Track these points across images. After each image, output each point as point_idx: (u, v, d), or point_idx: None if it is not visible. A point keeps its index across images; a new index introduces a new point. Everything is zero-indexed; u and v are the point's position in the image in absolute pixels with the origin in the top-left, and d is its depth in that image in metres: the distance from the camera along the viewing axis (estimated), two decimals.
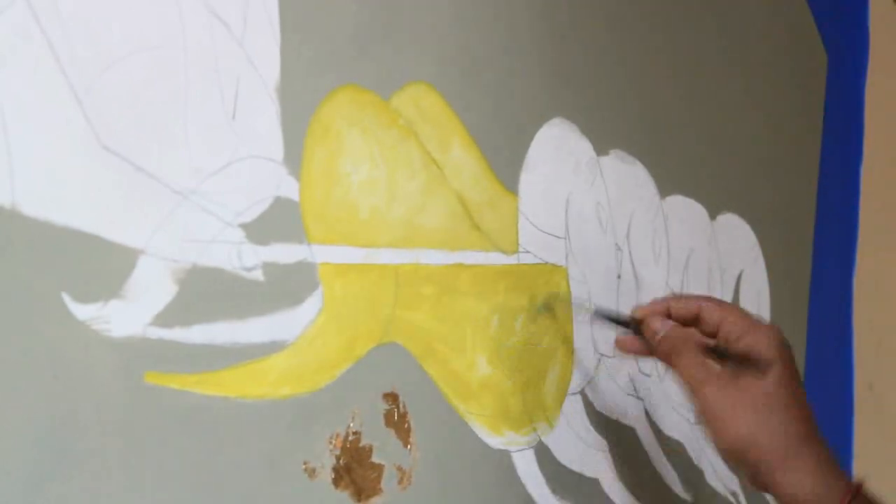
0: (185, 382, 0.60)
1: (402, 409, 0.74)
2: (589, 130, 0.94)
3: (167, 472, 0.59)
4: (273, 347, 0.65)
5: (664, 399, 1.04)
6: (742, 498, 1.15)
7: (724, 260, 1.15)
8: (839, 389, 1.37)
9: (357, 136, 0.71)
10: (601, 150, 0.96)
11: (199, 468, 0.60)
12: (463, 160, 0.80)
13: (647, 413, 1.01)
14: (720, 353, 0.73)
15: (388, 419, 0.73)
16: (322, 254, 0.68)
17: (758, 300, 1.22)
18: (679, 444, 1.06)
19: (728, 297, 1.16)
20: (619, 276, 0.98)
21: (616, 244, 0.97)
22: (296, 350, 0.66)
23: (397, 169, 0.74)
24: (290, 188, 0.66)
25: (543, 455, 0.86)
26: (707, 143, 1.14)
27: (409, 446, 0.74)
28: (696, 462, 1.08)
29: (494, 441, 0.82)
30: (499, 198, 0.84)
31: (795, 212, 1.33)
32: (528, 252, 0.86)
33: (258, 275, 0.64)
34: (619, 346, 0.81)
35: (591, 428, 0.93)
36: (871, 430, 1.37)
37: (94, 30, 0.55)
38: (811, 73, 1.38)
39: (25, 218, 0.52)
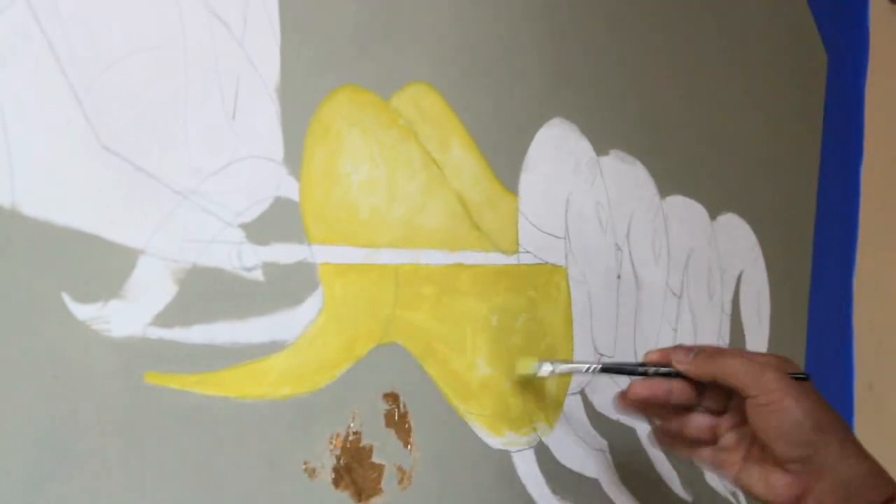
0: (185, 382, 0.60)
1: (402, 409, 0.74)
2: (589, 130, 0.94)
3: (167, 472, 0.59)
4: (273, 347, 0.65)
5: None
6: (742, 498, 1.15)
7: (724, 260, 1.15)
8: (839, 389, 1.36)
9: (357, 136, 0.71)
10: (601, 150, 0.96)
11: (199, 468, 0.60)
12: (463, 160, 0.80)
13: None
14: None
15: (389, 419, 0.73)
16: (322, 254, 0.68)
17: (758, 300, 1.22)
18: None
19: (728, 297, 1.16)
20: (619, 276, 0.97)
21: (616, 244, 0.97)
22: (296, 350, 0.66)
23: (397, 169, 0.74)
24: (290, 188, 0.66)
25: (543, 455, 0.86)
26: (707, 143, 1.14)
27: (409, 446, 0.74)
28: (696, 462, 1.08)
29: (494, 441, 0.82)
30: (499, 198, 0.84)
31: (795, 212, 1.33)
32: (528, 252, 0.86)
33: (258, 275, 0.64)
34: (633, 391, 0.73)
35: (591, 428, 0.93)
36: (871, 430, 1.36)
37: (94, 30, 0.55)
38: (811, 73, 1.38)
39: (25, 218, 0.52)
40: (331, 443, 0.68)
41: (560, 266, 0.90)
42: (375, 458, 0.72)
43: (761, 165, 1.24)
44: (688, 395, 0.73)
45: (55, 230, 0.53)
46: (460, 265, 0.79)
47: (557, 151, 0.90)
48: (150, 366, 0.58)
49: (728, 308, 1.16)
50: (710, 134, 1.14)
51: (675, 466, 1.04)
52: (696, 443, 0.75)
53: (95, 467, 0.55)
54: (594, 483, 0.93)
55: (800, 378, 0.71)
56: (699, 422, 0.74)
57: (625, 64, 1.00)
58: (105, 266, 0.56)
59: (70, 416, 0.54)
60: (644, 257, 1.01)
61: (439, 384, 0.77)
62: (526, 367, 0.79)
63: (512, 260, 0.84)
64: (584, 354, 0.92)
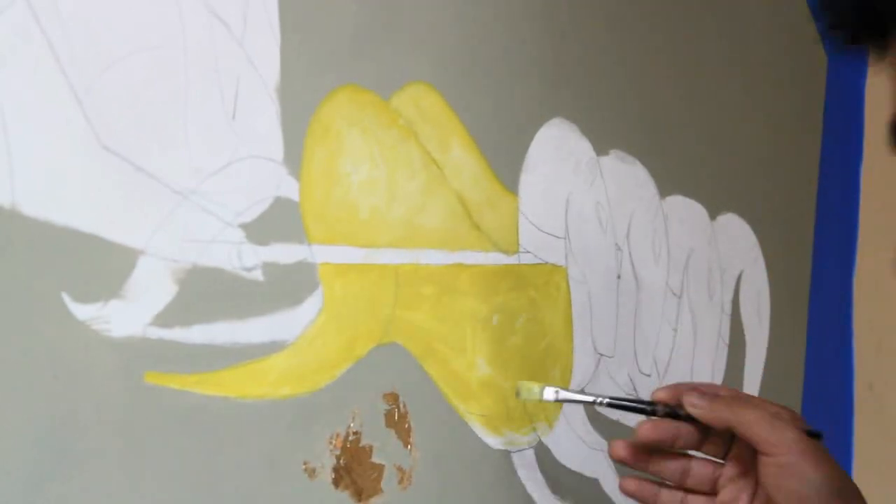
0: (184, 382, 0.60)
1: (402, 410, 0.74)
2: (589, 130, 0.94)
3: (167, 472, 0.59)
4: (273, 347, 0.65)
5: None
6: None
7: (724, 260, 1.15)
8: (839, 389, 1.37)
9: (357, 136, 0.71)
10: (601, 150, 0.96)
11: (199, 468, 0.60)
12: (463, 160, 0.80)
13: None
14: None
15: (389, 419, 0.73)
16: (322, 254, 0.68)
17: (758, 300, 1.22)
18: None
19: (728, 297, 1.16)
20: (619, 276, 0.97)
21: (616, 244, 0.97)
22: (296, 350, 0.66)
23: (397, 169, 0.74)
24: (290, 188, 0.66)
25: (543, 455, 0.86)
26: (707, 143, 1.14)
27: (409, 446, 0.74)
28: None
29: (494, 441, 0.82)
30: (499, 198, 0.83)
31: (795, 212, 1.33)
32: (528, 252, 0.86)
33: (258, 275, 0.64)
34: (643, 433, 0.66)
35: (591, 428, 0.93)
36: (871, 430, 1.36)
37: (94, 30, 0.55)
38: (811, 73, 1.38)
39: (25, 218, 0.52)
40: (331, 443, 0.68)
41: (560, 266, 0.90)
42: (375, 458, 0.72)
43: (761, 165, 1.24)
44: (694, 441, 0.67)
45: (55, 230, 0.53)
46: (460, 265, 0.79)
47: (557, 151, 0.90)
48: (150, 366, 0.58)
49: (728, 308, 1.16)
50: (710, 134, 1.14)
51: None
52: (688, 491, 0.68)
53: (95, 467, 0.55)
54: (594, 483, 0.93)
55: (814, 435, 0.67)
56: (700, 471, 0.68)
57: (625, 64, 1.00)
58: (105, 266, 0.56)
59: (70, 416, 0.54)
60: (644, 257, 1.01)
61: (439, 384, 0.77)
62: (528, 391, 0.75)
63: (512, 260, 0.84)
64: (585, 354, 0.92)
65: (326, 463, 0.68)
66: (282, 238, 0.66)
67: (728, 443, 0.68)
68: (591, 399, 0.71)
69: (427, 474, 0.75)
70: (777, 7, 1.30)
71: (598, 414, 0.94)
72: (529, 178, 0.87)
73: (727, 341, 1.15)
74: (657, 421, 0.67)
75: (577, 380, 0.91)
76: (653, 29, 1.05)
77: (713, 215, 1.14)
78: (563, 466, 0.89)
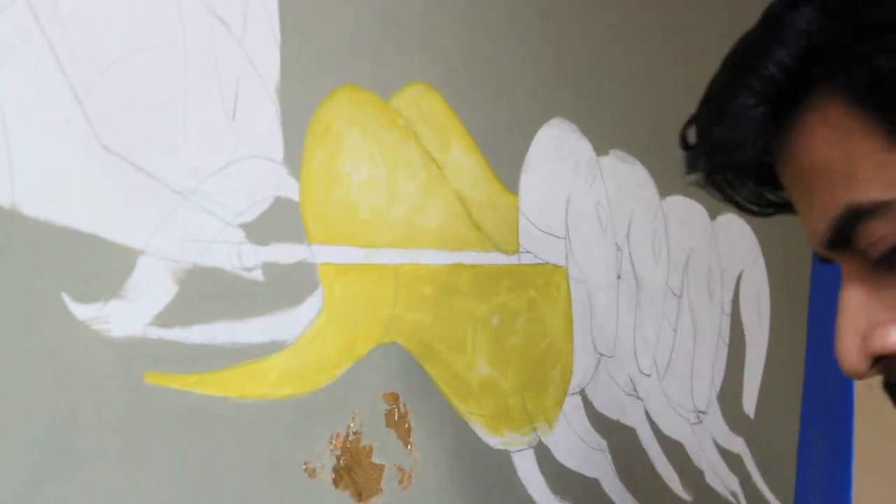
0: (184, 383, 0.60)
1: (402, 410, 0.74)
2: (589, 130, 0.94)
3: (167, 472, 0.59)
4: (273, 347, 0.65)
5: (664, 399, 1.04)
6: (742, 498, 1.15)
7: (724, 260, 1.15)
8: (839, 389, 1.37)
9: (357, 136, 0.71)
10: (601, 150, 0.96)
11: (199, 468, 0.60)
12: (463, 160, 0.80)
13: (647, 413, 1.01)
14: None
15: (389, 419, 0.73)
16: (322, 254, 0.68)
17: (758, 300, 1.22)
18: (679, 445, 1.06)
19: (728, 297, 1.16)
20: (619, 276, 0.97)
21: (616, 244, 0.97)
22: (296, 350, 0.66)
23: (397, 169, 0.74)
24: (290, 188, 0.66)
25: (543, 455, 0.86)
26: None
27: (409, 446, 0.74)
28: (695, 462, 1.08)
29: (494, 441, 0.82)
30: (499, 198, 0.83)
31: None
32: (528, 252, 0.86)
33: (258, 275, 0.64)
34: None
35: (591, 428, 0.93)
36: (871, 430, 1.37)
37: (94, 30, 0.55)
38: None
39: (25, 218, 0.52)
40: (331, 443, 0.68)
41: (560, 266, 0.90)
42: (375, 458, 0.72)
43: None
44: None
45: (55, 230, 0.53)
46: (460, 265, 0.79)
47: (557, 151, 0.90)
48: (150, 366, 0.58)
49: (728, 308, 1.16)
50: None
51: (675, 466, 1.04)
52: None
53: (95, 467, 0.55)
54: (594, 483, 0.93)
55: None
56: None
57: (625, 64, 1.00)
58: (105, 266, 0.56)
59: (70, 416, 0.54)
60: (644, 257, 1.01)
61: (439, 384, 0.77)
62: None
63: (512, 260, 0.84)
64: (585, 354, 0.92)
65: (326, 463, 0.68)
66: (282, 238, 0.66)
67: None
68: None
69: (427, 474, 0.75)
70: None
71: (599, 414, 0.94)
72: (529, 178, 0.87)
73: (727, 341, 1.15)
74: None
75: (577, 380, 0.91)
76: (653, 29, 1.05)
77: (713, 215, 1.14)
78: (563, 466, 0.89)
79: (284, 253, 0.66)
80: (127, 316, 0.56)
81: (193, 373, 0.60)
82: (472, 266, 0.81)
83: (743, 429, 1.17)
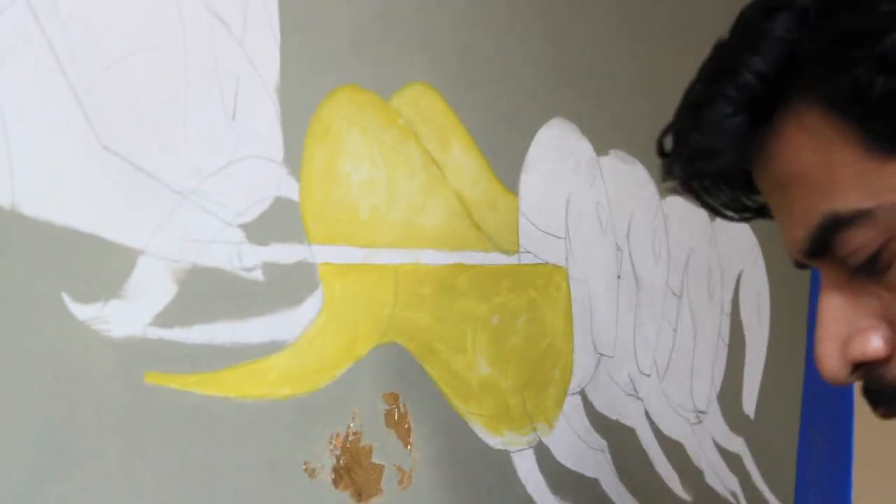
0: (184, 383, 0.60)
1: (402, 410, 0.74)
2: (589, 130, 0.94)
3: (167, 472, 0.59)
4: (273, 347, 0.65)
5: (664, 399, 1.04)
6: (742, 498, 1.15)
7: (724, 260, 1.15)
8: (839, 389, 1.37)
9: (357, 136, 0.71)
10: (601, 150, 0.96)
11: (199, 468, 0.60)
12: (463, 160, 0.80)
13: (647, 413, 1.01)
14: None
15: (389, 419, 0.73)
16: (322, 254, 0.68)
17: (758, 300, 1.22)
18: (679, 445, 1.06)
19: (728, 297, 1.16)
20: (619, 276, 0.97)
21: (616, 244, 0.97)
22: (296, 350, 0.66)
23: (397, 169, 0.74)
24: (290, 188, 0.66)
25: (543, 455, 0.86)
26: None
27: (409, 446, 0.74)
28: (695, 462, 1.08)
29: (494, 441, 0.82)
30: (499, 198, 0.83)
31: None
32: (528, 252, 0.86)
33: (258, 275, 0.64)
34: None
35: (591, 428, 0.93)
36: (871, 430, 1.37)
37: (94, 30, 0.55)
38: None
39: (25, 218, 0.52)
40: (331, 443, 0.68)
41: (560, 266, 0.90)
42: (375, 458, 0.72)
43: None
44: None
45: (55, 230, 0.53)
46: (460, 265, 0.79)
47: (557, 151, 0.90)
48: (150, 366, 0.58)
49: (728, 308, 1.16)
50: None
51: (674, 466, 1.04)
52: None
53: (95, 467, 0.55)
54: (594, 483, 0.93)
55: None
56: None
57: (625, 64, 1.00)
58: (105, 266, 0.56)
59: (70, 416, 0.54)
60: (644, 257, 1.01)
61: (439, 384, 0.77)
62: None
63: (512, 260, 0.84)
64: (585, 354, 0.92)
65: (326, 463, 0.68)
66: (282, 238, 0.66)
67: None
68: None
69: (427, 474, 0.75)
70: None
71: (599, 414, 0.94)
72: (529, 178, 0.87)
73: (727, 341, 1.15)
74: None
75: (577, 380, 0.91)
76: (653, 29, 1.05)
77: (713, 215, 1.14)
78: (563, 466, 0.89)
79: (284, 253, 0.66)
80: (127, 316, 0.56)
81: (193, 373, 0.60)
82: (472, 266, 0.81)
83: (743, 429, 1.17)
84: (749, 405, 1.19)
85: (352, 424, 0.70)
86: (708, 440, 1.10)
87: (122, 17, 0.57)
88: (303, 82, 0.67)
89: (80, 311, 0.54)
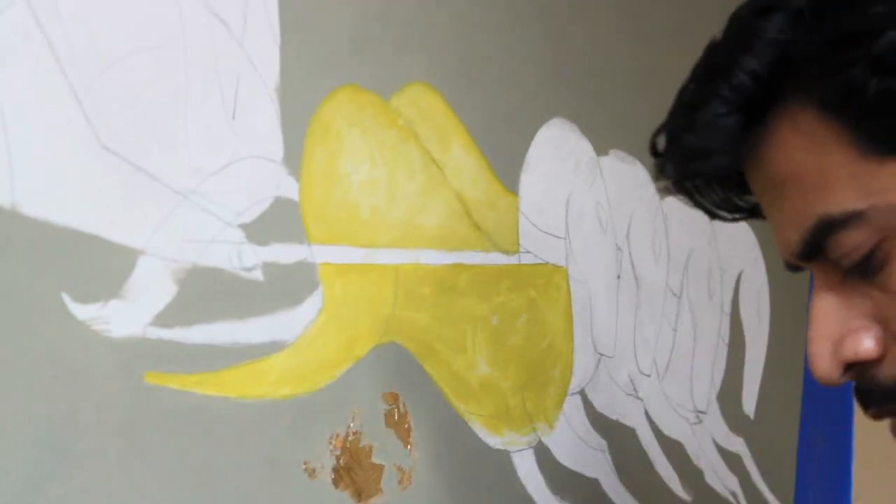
0: (184, 383, 0.60)
1: (402, 409, 0.74)
2: (589, 130, 0.94)
3: (167, 472, 0.59)
4: (273, 347, 0.65)
5: (664, 399, 1.04)
6: (742, 498, 1.15)
7: (724, 260, 1.15)
8: (839, 389, 1.36)
9: (357, 136, 0.71)
10: (601, 150, 0.96)
11: (199, 468, 0.60)
12: (463, 160, 0.80)
13: (647, 413, 1.01)
14: None
15: (388, 419, 0.73)
16: (322, 254, 0.68)
17: (758, 300, 1.22)
18: (679, 445, 1.06)
19: (728, 297, 1.16)
20: (619, 276, 0.97)
21: (616, 244, 0.97)
22: (296, 350, 0.66)
23: (397, 169, 0.74)
24: (290, 188, 0.66)
25: (543, 455, 0.86)
26: None
27: (409, 446, 0.74)
28: (695, 462, 1.08)
29: (494, 441, 0.82)
30: (499, 198, 0.83)
31: None
32: (528, 252, 0.86)
33: (258, 275, 0.64)
34: None
35: (591, 428, 0.93)
36: (871, 430, 1.37)
37: (94, 30, 0.55)
38: None
39: (25, 218, 0.52)
40: (331, 443, 0.68)
41: (561, 266, 0.90)
42: (375, 458, 0.72)
43: None
44: None
45: (55, 230, 0.53)
46: (460, 265, 0.79)
47: (557, 151, 0.90)
48: (150, 366, 0.58)
49: (728, 308, 1.16)
50: None
51: (674, 466, 1.04)
52: None
53: (95, 467, 0.55)
54: (594, 483, 0.93)
55: None
56: None
57: (625, 64, 1.00)
58: (105, 266, 0.56)
59: (70, 416, 0.54)
60: (644, 257, 1.01)
61: (439, 384, 0.77)
62: None
63: (512, 260, 0.84)
64: (585, 354, 0.92)
65: (326, 463, 0.68)
66: (282, 238, 0.66)
67: None
68: None
69: (427, 474, 0.75)
70: None
71: (599, 414, 0.94)
72: (529, 178, 0.87)
73: (727, 341, 1.15)
74: None
75: (577, 380, 0.91)
76: (653, 29, 1.05)
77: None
78: (563, 466, 0.89)
79: (284, 253, 0.66)
80: (127, 316, 0.56)
81: (193, 373, 0.60)
82: (472, 266, 0.81)
83: (743, 429, 1.17)
84: (749, 405, 1.19)
85: (352, 424, 0.70)
86: (708, 440, 1.10)
87: (122, 17, 0.57)
88: (303, 82, 0.67)
89: (80, 311, 0.54)
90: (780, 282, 1.25)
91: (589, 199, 0.94)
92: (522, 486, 0.84)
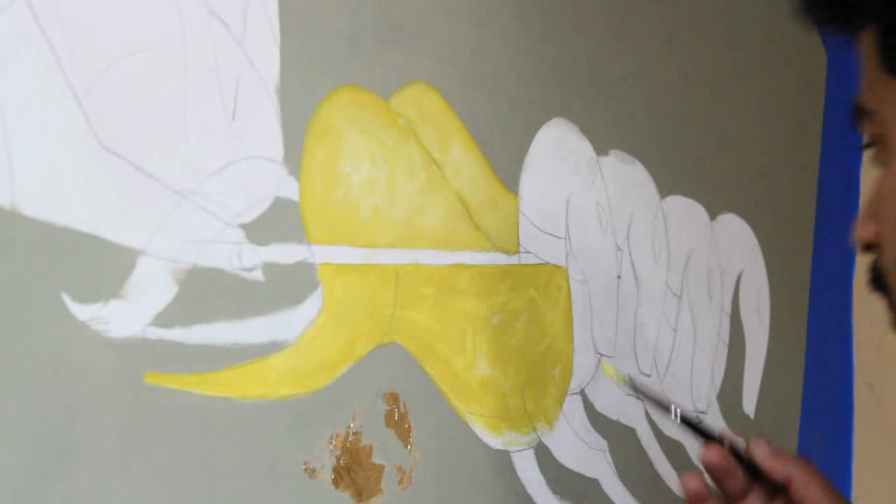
0: (184, 383, 0.60)
1: (402, 410, 0.74)
2: (589, 130, 0.94)
3: (167, 472, 0.59)
4: (273, 348, 0.65)
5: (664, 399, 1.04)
6: None
7: (723, 260, 1.15)
8: (839, 389, 1.37)
9: (357, 136, 0.71)
10: (601, 150, 0.96)
11: (198, 468, 0.60)
12: (463, 160, 0.80)
13: (647, 413, 1.01)
14: None
15: (389, 419, 0.73)
16: (322, 254, 0.68)
17: (758, 300, 1.22)
18: (679, 445, 1.06)
19: (728, 297, 1.16)
20: (619, 277, 0.97)
21: (616, 244, 0.97)
22: (296, 350, 0.66)
23: (397, 169, 0.74)
24: (290, 188, 0.66)
25: (543, 455, 0.86)
26: (707, 143, 1.13)
27: (409, 446, 0.74)
28: (695, 462, 1.08)
29: (494, 441, 0.82)
30: (499, 198, 0.83)
31: (795, 212, 1.33)
32: (528, 252, 0.86)
33: (258, 275, 0.64)
34: (707, 458, 0.69)
35: (591, 428, 0.93)
36: (871, 430, 1.37)
37: (94, 30, 0.55)
38: (811, 73, 1.38)
39: (25, 218, 0.52)
40: (331, 443, 0.68)
41: (561, 266, 0.90)
42: (375, 458, 0.72)
43: (761, 165, 1.24)
44: (739, 487, 0.70)
45: (55, 230, 0.53)
46: (461, 265, 0.79)
47: (557, 151, 0.90)
48: (149, 366, 0.58)
49: (728, 308, 1.16)
50: (709, 134, 1.14)
51: (674, 466, 1.04)
52: None
53: (95, 467, 0.55)
54: (594, 483, 0.93)
55: None
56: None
57: (625, 64, 1.00)
58: (105, 266, 0.56)
59: (70, 416, 0.54)
60: (644, 257, 1.01)
61: (439, 384, 0.77)
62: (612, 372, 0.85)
63: (513, 260, 0.84)
64: (585, 354, 0.92)
65: (326, 463, 0.68)
66: (282, 238, 0.66)
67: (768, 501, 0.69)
68: (670, 406, 0.72)
69: (427, 474, 0.75)
70: (777, 7, 1.30)
71: (599, 414, 0.94)
72: (530, 178, 0.87)
73: (727, 341, 1.15)
74: (722, 449, 0.70)
75: (577, 380, 0.91)
76: (653, 29, 1.05)
77: (713, 215, 1.14)
78: (563, 466, 0.89)
79: (284, 253, 0.66)
80: (127, 316, 0.56)
81: (193, 373, 0.60)
82: (473, 266, 0.81)
83: (743, 429, 1.17)
84: (749, 405, 1.19)
85: (352, 424, 0.70)
86: None
87: (122, 17, 0.57)
88: (303, 82, 0.67)
89: (80, 311, 0.54)
90: (780, 282, 1.25)
91: (589, 199, 0.94)
92: (522, 487, 0.84)
